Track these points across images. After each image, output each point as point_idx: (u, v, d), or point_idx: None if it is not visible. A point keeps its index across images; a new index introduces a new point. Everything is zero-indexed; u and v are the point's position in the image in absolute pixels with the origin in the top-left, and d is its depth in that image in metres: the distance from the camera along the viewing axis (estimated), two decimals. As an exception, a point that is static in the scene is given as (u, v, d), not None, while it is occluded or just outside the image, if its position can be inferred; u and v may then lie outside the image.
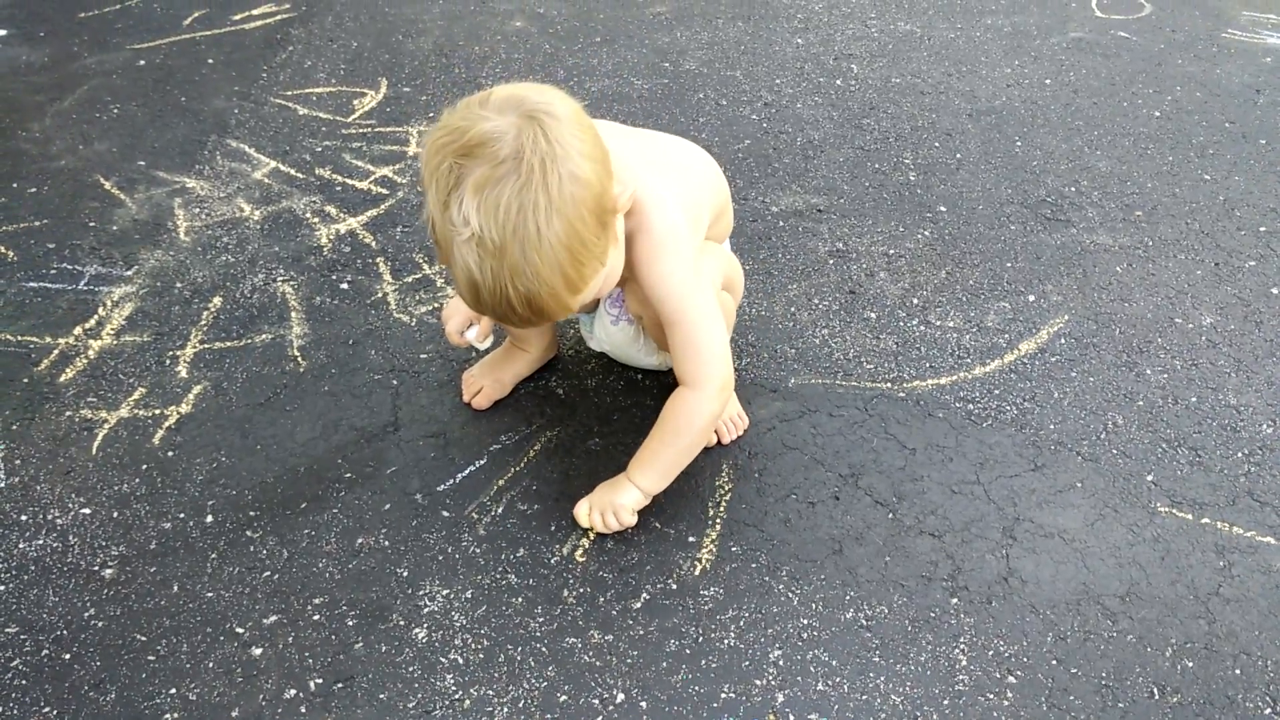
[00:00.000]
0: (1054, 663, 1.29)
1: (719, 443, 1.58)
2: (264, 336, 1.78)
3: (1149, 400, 1.68)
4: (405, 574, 1.39)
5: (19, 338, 1.77)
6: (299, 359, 1.73)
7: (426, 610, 1.34)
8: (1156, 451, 1.59)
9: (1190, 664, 1.29)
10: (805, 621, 1.34)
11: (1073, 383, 1.72)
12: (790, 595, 1.37)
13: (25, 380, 1.68)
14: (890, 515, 1.48)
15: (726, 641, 1.31)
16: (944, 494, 1.51)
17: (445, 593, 1.37)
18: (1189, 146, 2.37)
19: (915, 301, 1.90)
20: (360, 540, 1.43)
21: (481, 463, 1.55)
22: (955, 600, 1.36)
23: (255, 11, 2.95)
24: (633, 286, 1.43)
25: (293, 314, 1.83)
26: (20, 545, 1.42)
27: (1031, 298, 1.91)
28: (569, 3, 3.07)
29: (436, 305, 1.85)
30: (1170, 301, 1.90)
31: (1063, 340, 1.81)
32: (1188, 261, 2.00)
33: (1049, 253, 2.03)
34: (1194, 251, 2.03)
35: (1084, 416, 1.65)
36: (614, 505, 1.44)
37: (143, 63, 2.67)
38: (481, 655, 1.29)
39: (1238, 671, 1.29)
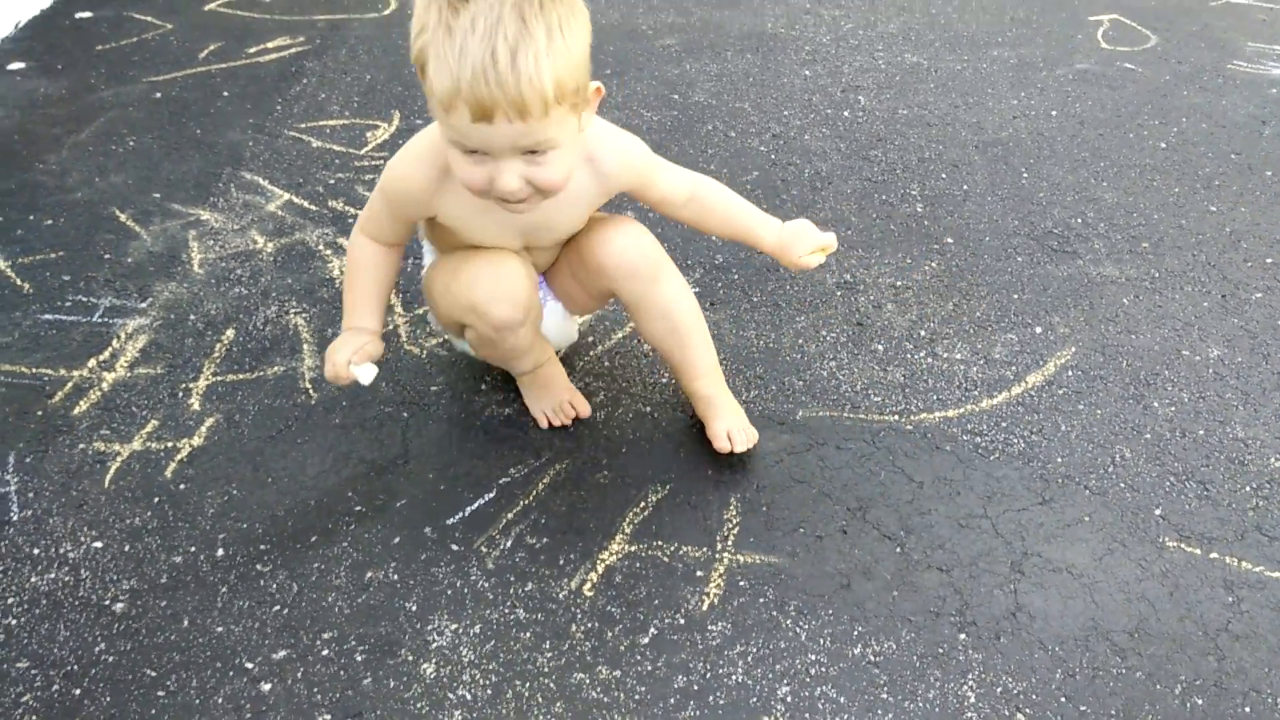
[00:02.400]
0: (1063, 700, 1.29)
1: (732, 451, 1.60)
2: (276, 369, 1.80)
3: (1156, 433, 1.69)
4: (414, 608, 1.39)
5: (34, 370, 1.79)
6: (310, 391, 1.75)
7: (435, 645, 1.35)
8: (1164, 485, 1.59)
9: (1200, 701, 1.29)
10: (813, 657, 1.34)
11: (1080, 415, 1.72)
12: (798, 630, 1.37)
13: (39, 413, 1.70)
14: (898, 549, 1.48)
15: (734, 677, 1.31)
16: (952, 528, 1.52)
17: (454, 627, 1.37)
18: (1195, 178, 2.38)
19: (923, 333, 1.91)
20: (370, 574, 1.44)
21: (490, 496, 1.56)
22: (963, 636, 1.36)
23: (270, 45, 2.99)
24: (561, 262, 1.62)
25: (305, 346, 1.85)
26: (32, 579, 1.43)
27: (1039, 330, 1.92)
28: (579, 35, 3.10)
29: (446, 338, 1.86)
30: (1177, 334, 1.90)
31: (1070, 373, 1.81)
32: (1194, 293, 2.01)
33: (1056, 284, 2.03)
34: (1200, 283, 2.04)
35: (1091, 450, 1.65)
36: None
37: (159, 95, 2.71)
38: (489, 691, 1.30)
39: (1248, 709, 1.28)
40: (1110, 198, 2.32)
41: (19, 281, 2.00)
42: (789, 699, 1.29)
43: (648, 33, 3.14)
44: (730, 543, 1.49)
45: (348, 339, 1.48)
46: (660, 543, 1.49)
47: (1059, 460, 1.64)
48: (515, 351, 1.60)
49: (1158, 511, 1.55)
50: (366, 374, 1.45)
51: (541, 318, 1.64)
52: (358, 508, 1.54)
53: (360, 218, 1.51)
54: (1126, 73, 2.90)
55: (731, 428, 1.61)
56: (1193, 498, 1.57)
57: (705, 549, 1.48)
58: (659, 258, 1.57)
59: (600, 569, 1.45)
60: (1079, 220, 2.24)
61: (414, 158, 1.41)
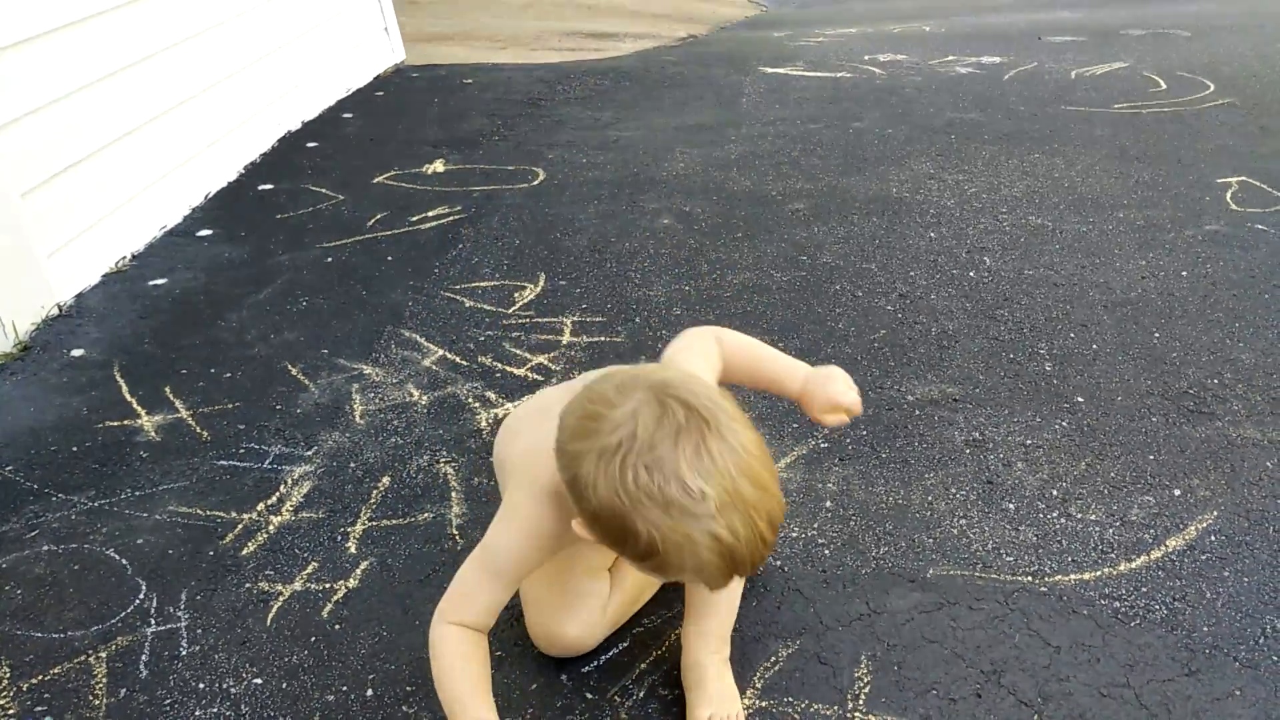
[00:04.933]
0: None
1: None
2: (426, 515, 1.91)
3: (1310, 604, 1.62)
4: (550, 754, 1.43)
5: (208, 512, 1.94)
6: (457, 537, 1.85)
7: (569, 792, 1.38)
8: (1321, 660, 1.53)
9: None
10: (948, 825, 1.32)
11: (1226, 582, 1.68)
12: (932, 796, 1.36)
13: (211, 553, 1.84)
14: (1036, 717, 1.46)
15: (867, 842, 1.30)
16: (1092, 697, 1.48)
17: (588, 775, 1.40)
18: (1340, 338, 2.33)
19: (1055, 493, 1.90)
20: (508, 719, 1.49)
21: (625, 645, 1.61)
22: (1107, 811, 1.32)
23: (430, 214, 3.26)
24: None
25: (453, 494, 1.96)
26: (197, 713, 1.53)
27: (1177, 492, 1.89)
28: (713, 201, 3.28)
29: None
30: (1328, 500, 1.84)
31: (1213, 537, 1.77)
32: (1345, 458, 1.95)
33: (1194, 446, 2.01)
34: (1352, 448, 1.98)
35: (1239, 619, 1.60)
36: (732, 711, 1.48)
37: (330, 260, 2.97)
38: (622, 842, 1.32)
39: None
40: (1248, 359, 2.29)
41: (198, 429, 2.19)
42: None
43: (777, 198, 3.29)
44: (861, 702, 1.49)
45: None
46: (790, 699, 1.50)
47: (1205, 629, 1.59)
48: None
49: (1315, 687, 1.48)
50: None
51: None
52: (498, 652, 1.60)
53: (443, 608, 1.36)
54: (1259, 234, 2.88)
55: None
56: (1353, 674, 1.50)
57: (836, 707, 1.49)
58: None
59: (731, 724, 1.47)
60: (1215, 381, 2.21)
61: (541, 527, 1.31)
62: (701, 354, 1.48)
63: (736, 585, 1.52)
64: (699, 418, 1.11)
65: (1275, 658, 1.53)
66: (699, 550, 1.10)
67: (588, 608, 1.56)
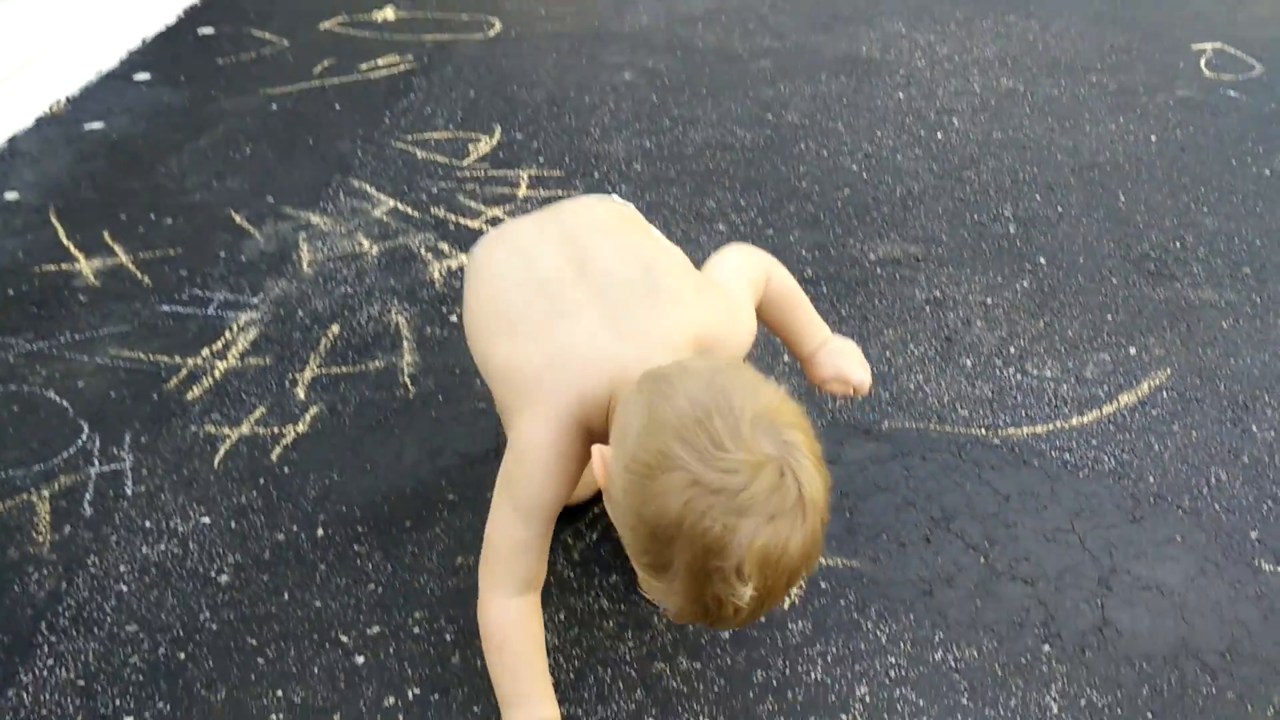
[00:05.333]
0: (1149, 716, 1.27)
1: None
2: (377, 363, 1.87)
3: (1255, 456, 1.65)
4: (502, 593, 1.43)
5: (151, 357, 1.89)
6: (409, 386, 1.81)
7: (521, 629, 1.39)
8: (1261, 509, 1.56)
9: (1294, 725, 1.26)
10: (893, 660, 1.34)
11: (1174, 436, 1.69)
12: (878, 634, 1.38)
13: (155, 396, 1.79)
14: (982, 560, 1.48)
15: (813, 675, 1.33)
16: (1038, 541, 1.51)
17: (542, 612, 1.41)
18: (1302, 205, 2.33)
19: (1012, 350, 1.90)
20: (460, 559, 1.49)
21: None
22: (1047, 648, 1.35)
23: (380, 62, 3.11)
24: None
25: (405, 343, 1.92)
26: (144, 550, 1.51)
27: (1132, 350, 1.89)
28: (676, 57, 3.17)
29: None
30: (1279, 359, 1.86)
31: (1165, 394, 1.79)
32: (1299, 320, 1.96)
33: (1151, 307, 2.01)
34: (1306, 310, 1.99)
35: (1186, 470, 1.63)
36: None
37: (275, 107, 2.84)
38: (572, 675, 1.33)
39: (1345, 736, 1.25)
40: (1211, 223, 2.28)
41: (139, 274, 2.12)
42: (867, 699, 1.30)
43: (743, 55, 3.18)
44: (812, 546, 1.50)
45: None
46: (743, 542, 1.51)
47: (1151, 480, 1.61)
48: None
49: (1254, 534, 1.51)
50: None
51: None
52: (451, 496, 1.59)
53: (486, 582, 1.23)
54: (1230, 100, 2.84)
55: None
56: (1292, 522, 1.53)
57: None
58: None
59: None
60: (1177, 244, 2.20)
61: (561, 444, 1.19)
62: (750, 283, 1.40)
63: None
64: (800, 510, 1.00)
65: (1217, 506, 1.56)
66: (690, 601, 1.03)
67: None
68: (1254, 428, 1.71)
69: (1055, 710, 1.28)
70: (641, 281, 1.25)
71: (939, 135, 2.68)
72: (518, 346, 1.24)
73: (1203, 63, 3.08)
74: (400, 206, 2.36)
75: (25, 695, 1.31)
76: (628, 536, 1.07)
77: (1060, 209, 2.34)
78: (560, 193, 2.40)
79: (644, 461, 1.01)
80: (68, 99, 2.89)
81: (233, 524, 1.55)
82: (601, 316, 1.22)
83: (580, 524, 1.54)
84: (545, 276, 1.29)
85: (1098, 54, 3.18)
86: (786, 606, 1.41)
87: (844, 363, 1.49)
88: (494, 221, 2.30)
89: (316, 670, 1.34)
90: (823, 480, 1.03)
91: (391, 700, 1.30)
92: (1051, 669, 1.33)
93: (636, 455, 1.02)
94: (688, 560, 0.99)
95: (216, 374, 1.85)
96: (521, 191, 2.42)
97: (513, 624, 1.22)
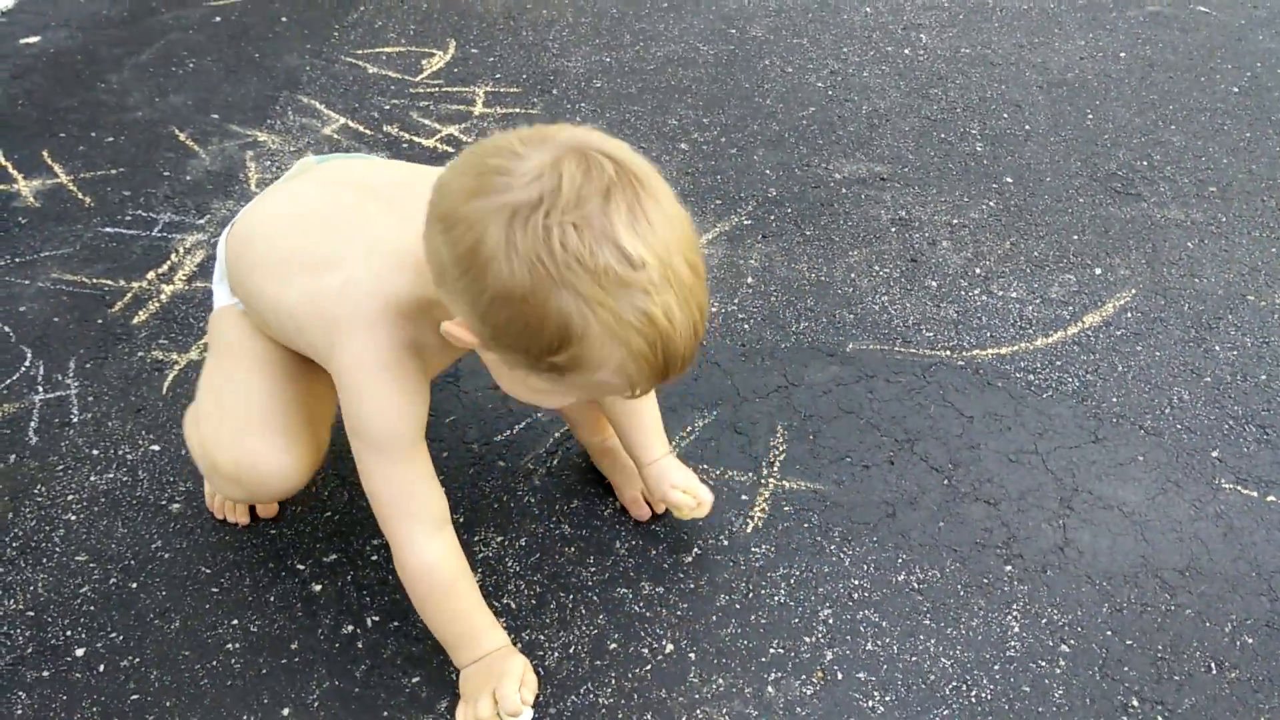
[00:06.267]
0: (1109, 634, 1.28)
1: (653, 514, 1.43)
2: (329, 286, 1.81)
3: (1216, 377, 1.65)
4: (461, 520, 1.41)
5: (94, 280, 1.82)
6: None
7: (480, 556, 1.37)
8: (1223, 428, 1.56)
9: (1250, 640, 1.27)
10: (856, 582, 1.34)
11: (1138, 357, 1.69)
12: (842, 556, 1.37)
13: (99, 321, 1.73)
14: (945, 481, 1.47)
15: (776, 598, 1.32)
16: (1001, 462, 1.50)
17: (499, 539, 1.39)
18: (1267, 123, 2.31)
19: (978, 271, 1.88)
20: (418, 485, 1.46)
21: (539, 415, 1.57)
22: (1009, 568, 1.36)
23: (327, -29, 2.98)
24: None
25: (358, 266, 1.86)
26: (91, 478, 1.47)
27: (1098, 271, 1.88)
28: (636, -32, 3.06)
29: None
30: (1243, 279, 1.85)
31: (1129, 314, 1.78)
32: (1262, 239, 1.95)
33: (1117, 226, 1.99)
34: (1269, 229, 1.98)
35: (1148, 391, 1.63)
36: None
37: (219, 20, 2.72)
38: (534, 601, 1.32)
39: (1298, 650, 1.26)
40: (1178, 141, 2.25)
41: (80, 195, 2.03)
42: (830, 620, 1.29)
43: (706, -33, 3.08)
44: (776, 469, 1.49)
45: (508, 668, 1.15)
46: (706, 466, 1.49)
47: (1114, 400, 1.61)
48: None
49: (1214, 454, 1.52)
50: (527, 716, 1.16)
51: None
52: (408, 422, 1.55)
53: (393, 534, 1.14)
54: (1200, 16, 2.80)
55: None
56: (1252, 441, 1.54)
57: (751, 474, 1.48)
58: None
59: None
60: (1144, 163, 2.18)
61: (392, 365, 1.09)
62: None
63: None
64: (631, 175, 0.89)
65: (1179, 426, 1.56)
66: (629, 335, 0.89)
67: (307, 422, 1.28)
68: (1216, 347, 1.71)
69: (1016, 629, 1.28)
70: (428, 182, 0.99)
71: (906, 51, 2.62)
72: (311, 278, 1.14)
73: (1173, -22, 3.03)
74: (351, 124, 2.27)
75: (-30, 629, 1.27)
76: (522, 354, 0.93)
77: (1028, 127, 2.31)
78: (518, 110, 2.33)
79: (458, 253, 0.90)
80: (2, 12, 2.75)
81: (183, 451, 1.50)
82: (396, 216, 1.08)
83: (540, 449, 1.51)
84: (322, 210, 1.22)
85: (1068, -32, 3.12)
86: (750, 530, 1.40)
87: (692, 477, 1.36)
88: (449, 140, 2.22)
89: (272, 598, 1.32)
90: (638, 154, 0.93)
91: (350, 628, 1.28)
92: (1013, 589, 1.33)
93: (457, 259, 0.90)
94: (582, 293, 0.87)
95: (163, 298, 1.78)
96: (477, 109, 2.34)
97: (434, 567, 1.14)
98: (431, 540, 1.14)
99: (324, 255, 1.15)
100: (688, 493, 1.34)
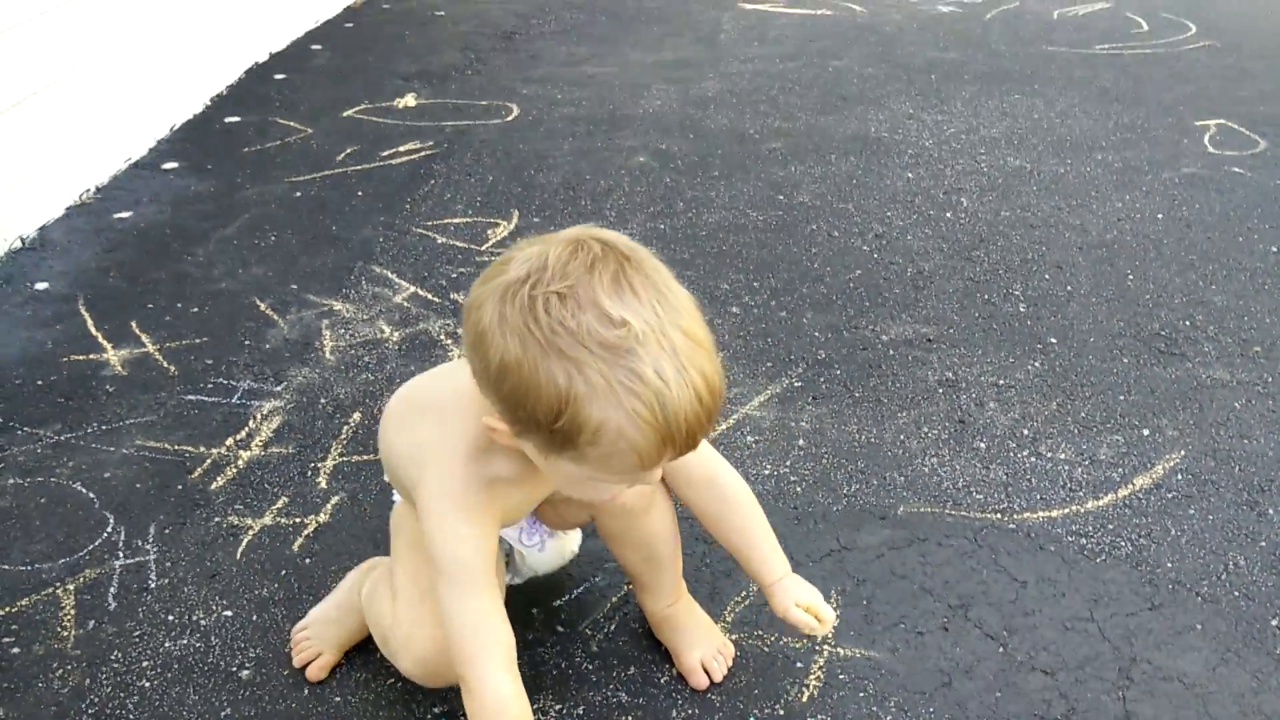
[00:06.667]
0: (1174, 812, 1.26)
1: (711, 682, 1.44)
2: (396, 452, 1.90)
3: (1272, 541, 1.65)
4: (521, 686, 1.44)
5: (175, 447, 1.92)
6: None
7: (540, 723, 1.39)
8: (1281, 595, 1.55)
9: (1321, 822, 1.24)
10: (913, 754, 1.34)
11: (1191, 520, 1.70)
12: (898, 727, 1.37)
13: (179, 487, 1.82)
14: (1001, 650, 1.48)
15: (833, 770, 1.32)
16: (1057, 630, 1.50)
17: (558, 707, 1.41)
18: (1311, 282, 2.35)
19: (1025, 432, 1.91)
20: (479, 651, 1.49)
21: (596, 579, 1.61)
22: (1069, 741, 1.35)
23: (401, 149, 3.20)
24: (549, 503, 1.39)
25: (423, 431, 1.95)
26: (166, 644, 1.53)
27: (1146, 432, 1.90)
28: (689, 140, 3.24)
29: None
30: (1294, 440, 1.87)
31: (1179, 476, 1.79)
32: (1312, 399, 1.97)
33: (1164, 387, 2.02)
34: (1318, 389, 2.00)
35: (1203, 556, 1.63)
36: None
37: (299, 194, 2.92)
38: (592, 771, 1.33)
39: (1374, 833, 1.23)
40: (1220, 301, 2.30)
41: (165, 364, 2.16)
42: (889, 795, 1.29)
43: (754, 136, 3.25)
44: (830, 635, 1.51)
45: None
46: (760, 632, 1.52)
47: (1169, 565, 1.61)
48: None
49: (1274, 622, 1.51)
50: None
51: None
52: (469, 586, 1.60)
53: (465, 669, 1.17)
54: (1235, 177, 2.88)
55: (705, 656, 1.44)
56: (1312, 609, 1.53)
57: (805, 640, 1.50)
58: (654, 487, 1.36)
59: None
60: (1187, 323, 2.22)
61: (464, 496, 1.16)
62: (712, 450, 1.37)
63: (665, 554, 1.42)
64: (618, 253, 0.98)
65: (1236, 593, 1.56)
66: (621, 395, 0.94)
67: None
68: (1270, 511, 1.71)
69: (1078, 807, 1.27)
70: None
71: (948, 215, 2.72)
72: (416, 419, 1.26)
73: (1207, 139, 3.13)
74: (421, 292, 2.41)
75: (49, 795, 1.32)
76: (529, 429, 1.02)
77: (1070, 288, 2.37)
78: (576, 277, 2.45)
79: (471, 340, 1.02)
80: (97, 188, 2.98)
81: (254, 617, 1.56)
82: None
83: (598, 614, 1.55)
84: (438, 365, 1.33)
85: (1103, 132, 3.24)
86: (805, 699, 1.41)
87: (816, 595, 1.35)
88: (511, 307, 2.34)
89: (337, 767, 1.34)
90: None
91: (411, 798, 1.30)
92: (1073, 763, 1.32)
93: (471, 344, 1.02)
94: (569, 358, 0.94)
95: (240, 464, 1.88)
96: (538, 276, 2.46)
97: (509, 701, 1.14)
98: (504, 674, 1.16)
99: (426, 400, 1.28)
100: (810, 610, 1.31)
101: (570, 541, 1.55)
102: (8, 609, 1.58)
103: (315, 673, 1.46)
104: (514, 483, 1.19)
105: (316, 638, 1.48)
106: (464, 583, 1.16)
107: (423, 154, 3.16)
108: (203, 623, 1.56)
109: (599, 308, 0.95)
